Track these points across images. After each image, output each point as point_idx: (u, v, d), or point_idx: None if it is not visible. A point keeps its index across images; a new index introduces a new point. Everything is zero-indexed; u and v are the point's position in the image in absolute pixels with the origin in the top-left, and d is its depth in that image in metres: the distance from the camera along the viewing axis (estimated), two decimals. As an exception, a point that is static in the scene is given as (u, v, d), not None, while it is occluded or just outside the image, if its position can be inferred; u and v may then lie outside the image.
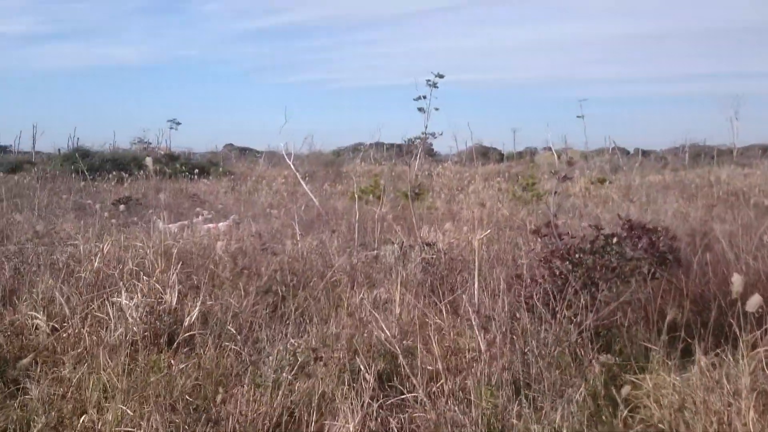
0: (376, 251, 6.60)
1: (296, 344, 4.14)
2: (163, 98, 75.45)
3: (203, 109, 74.77)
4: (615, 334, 4.62)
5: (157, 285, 4.79)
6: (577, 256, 4.69)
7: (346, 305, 5.43)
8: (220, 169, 21.33)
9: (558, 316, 4.45)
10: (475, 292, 4.73)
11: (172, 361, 3.99)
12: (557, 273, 4.71)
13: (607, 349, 4.51)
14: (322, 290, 5.86)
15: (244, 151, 39.02)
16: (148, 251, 5.94)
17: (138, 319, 4.33)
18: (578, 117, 31.76)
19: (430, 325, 4.69)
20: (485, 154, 40.24)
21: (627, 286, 4.85)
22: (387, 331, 3.93)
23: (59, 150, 25.99)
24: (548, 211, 4.96)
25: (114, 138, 33.76)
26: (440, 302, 5.23)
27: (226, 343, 4.30)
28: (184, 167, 20.27)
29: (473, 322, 4.11)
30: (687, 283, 5.02)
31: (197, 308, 4.48)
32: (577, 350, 4.33)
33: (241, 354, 4.21)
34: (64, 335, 4.36)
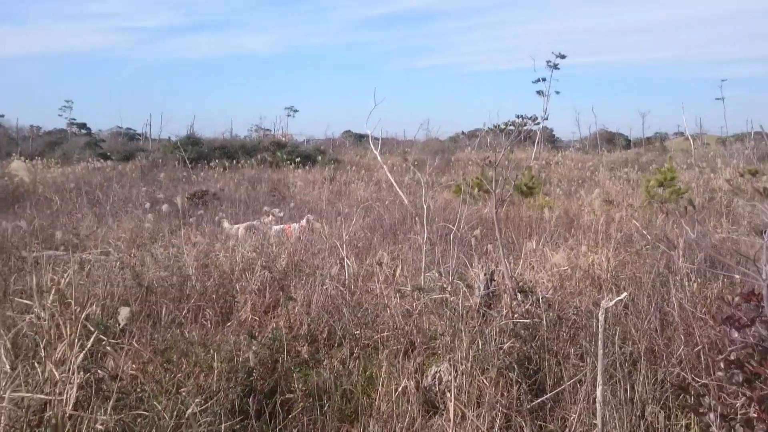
0: (446, 290, 4.27)
1: None
2: (288, 86, 76.29)
3: (325, 97, 74.73)
4: None
5: (55, 372, 2.75)
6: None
7: (378, 397, 3.20)
8: (319, 158, 19.46)
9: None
10: (598, 418, 2.32)
11: None
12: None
13: None
14: (354, 359, 3.66)
15: (360, 138, 37.49)
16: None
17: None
18: (717, 99, 27.37)
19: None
20: (610, 140, 36.54)
21: None
22: None
23: (169, 138, 25.67)
24: (751, 274, 2.38)
25: (231, 125, 33.55)
26: (531, 401, 2.92)
27: None
28: (287, 156, 18.65)
29: None
30: None
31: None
32: None
33: None
34: None
